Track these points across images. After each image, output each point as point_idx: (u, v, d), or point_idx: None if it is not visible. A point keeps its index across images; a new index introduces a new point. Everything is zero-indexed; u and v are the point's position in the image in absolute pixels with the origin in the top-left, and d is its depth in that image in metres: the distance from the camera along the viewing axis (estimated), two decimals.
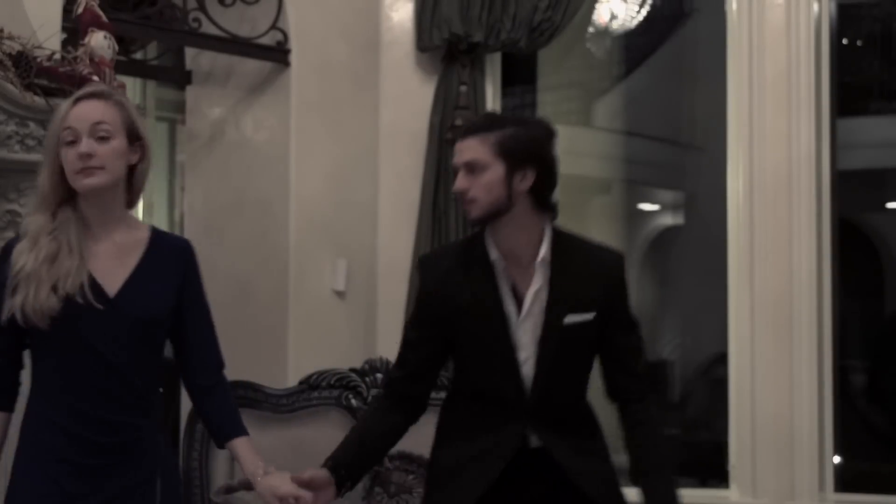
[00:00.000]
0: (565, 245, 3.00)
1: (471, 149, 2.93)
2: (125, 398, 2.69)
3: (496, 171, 2.90)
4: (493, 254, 2.97)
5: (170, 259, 2.78)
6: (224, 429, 2.87)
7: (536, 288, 2.95)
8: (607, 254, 3.06)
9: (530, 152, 2.93)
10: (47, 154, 2.69)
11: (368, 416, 3.16)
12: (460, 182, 2.94)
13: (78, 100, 2.68)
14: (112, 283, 2.68)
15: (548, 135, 2.98)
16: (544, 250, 2.96)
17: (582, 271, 2.98)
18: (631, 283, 3.05)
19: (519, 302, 2.96)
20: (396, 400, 3.07)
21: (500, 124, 2.95)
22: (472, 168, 2.92)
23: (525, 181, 2.92)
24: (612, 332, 3.00)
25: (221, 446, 2.92)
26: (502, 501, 2.98)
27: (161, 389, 2.87)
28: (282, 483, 2.82)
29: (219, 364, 2.87)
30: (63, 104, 2.70)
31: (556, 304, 2.95)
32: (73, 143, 2.63)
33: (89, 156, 2.62)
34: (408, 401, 3.07)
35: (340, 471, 2.97)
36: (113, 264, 2.69)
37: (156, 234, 2.80)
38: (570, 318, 2.94)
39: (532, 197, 2.95)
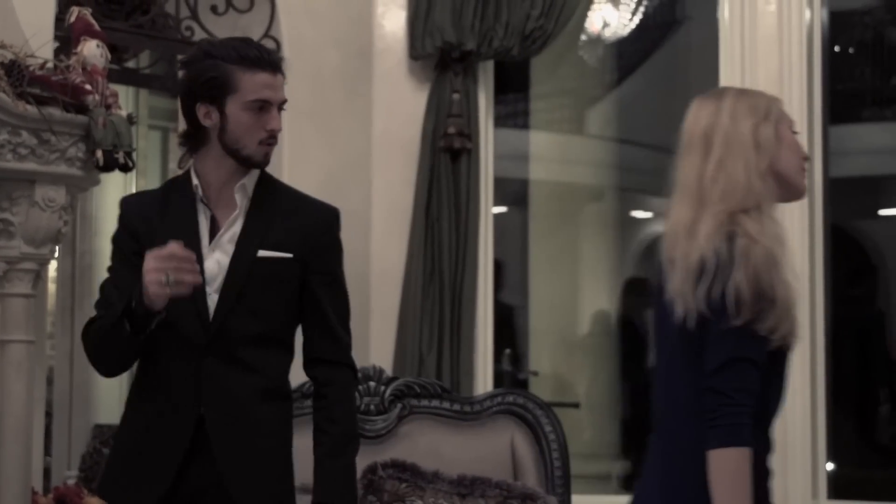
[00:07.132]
0: (273, 184, 2.97)
1: None
2: None
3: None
4: (195, 180, 2.90)
5: None
6: None
7: (233, 216, 2.88)
8: (318, 204, 2.99)
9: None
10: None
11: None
12: None
13: None
14: None
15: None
16: (245, 179, 2.90)
17: (285, 211, 2.91)
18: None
19: (215, 232, 2.88)
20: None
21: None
22: None
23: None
24: (313, 286, 2.89)
25: None
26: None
27: None
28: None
29: None
30: None
31: (249, 235, 2.86)
32: None
33: None
34: None
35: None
36: None
37: None
38: (265, 253, 2.85)
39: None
